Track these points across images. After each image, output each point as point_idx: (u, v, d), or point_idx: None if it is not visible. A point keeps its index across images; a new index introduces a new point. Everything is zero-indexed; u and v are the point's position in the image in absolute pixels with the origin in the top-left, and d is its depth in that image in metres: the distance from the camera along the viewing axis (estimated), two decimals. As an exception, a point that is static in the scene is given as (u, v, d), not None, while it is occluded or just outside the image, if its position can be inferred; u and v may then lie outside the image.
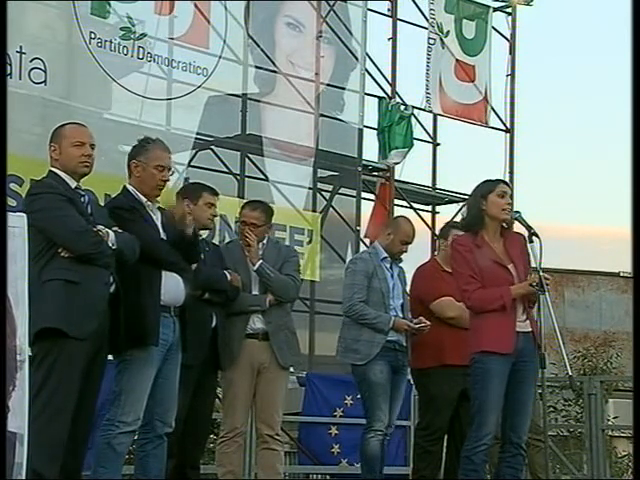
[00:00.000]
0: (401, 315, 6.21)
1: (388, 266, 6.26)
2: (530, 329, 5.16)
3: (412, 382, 6.92)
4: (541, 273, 5.11)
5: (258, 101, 9.33)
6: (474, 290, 5.11)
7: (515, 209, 5.43)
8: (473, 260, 5.12)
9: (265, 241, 5.96)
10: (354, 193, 10.15)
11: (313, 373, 8.42)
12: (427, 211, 11.49)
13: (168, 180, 4.92)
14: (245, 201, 6.15)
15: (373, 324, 6.08)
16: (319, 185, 10.05)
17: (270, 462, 5.82)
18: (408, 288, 6.48)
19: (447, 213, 11.26)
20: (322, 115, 9.74)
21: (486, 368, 5.06)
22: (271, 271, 5.83)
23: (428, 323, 6.19)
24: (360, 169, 10.04)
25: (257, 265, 5.81)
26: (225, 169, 9.17)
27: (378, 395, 6.04)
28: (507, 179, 11.17)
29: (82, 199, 4.58)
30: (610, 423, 12.81)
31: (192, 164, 8.84)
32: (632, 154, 4.63)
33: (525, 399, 5.15)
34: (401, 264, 6.41)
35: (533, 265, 5.25)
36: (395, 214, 10.16)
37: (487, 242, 5.20)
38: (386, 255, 6.26)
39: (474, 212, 5.25)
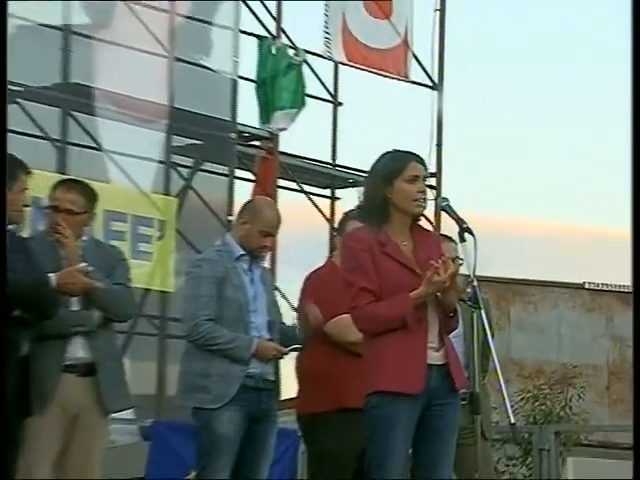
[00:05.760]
0: (267, 336, 6.23)
1: (246, 267, 6.29)
2: (445, 361, 5.24)
3: (299, 433, 7.00)
4: (475, 283, 5.22)
5: (88, 37, 9.28)
6: (364, 305, 5.16)
7: (443, 196, 5.51)
8: (370, 264, 5.15)
9: (85, 237, 5.96)
10: (225, 170, 10.19)
11: (162, 421, 8.42)
12: (324, 196, 11.62)
13: None
14: (59, 179, 6.12)
15: (227, 350, 6.11)
16: (175, 158, 10.05)
17: None
18: (296, 300, 6.53)
19: (351, 199, 11.40)
20: (179, 59, 9.74)
21: (387, 414, 5.10)
22: (98, 278, 5.82)
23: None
24: (234, 137, 10.08)
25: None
26: (39, 132, 9.09)
27: (221, 453, 6.08)
28: (433, 152, 11.35)
29: None
30: (569, 489, 13.15)
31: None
32: (633, 140, 4.75)
33: (447, 453, 5.25)
34: (264, 263, 6.47)
35: (466, 273, 5.34)
36: (279, 200, 10.24)
37: (393, 240, 5.24)
38: (243, 252, 6.28)
39: (376, 201, 5.22)
